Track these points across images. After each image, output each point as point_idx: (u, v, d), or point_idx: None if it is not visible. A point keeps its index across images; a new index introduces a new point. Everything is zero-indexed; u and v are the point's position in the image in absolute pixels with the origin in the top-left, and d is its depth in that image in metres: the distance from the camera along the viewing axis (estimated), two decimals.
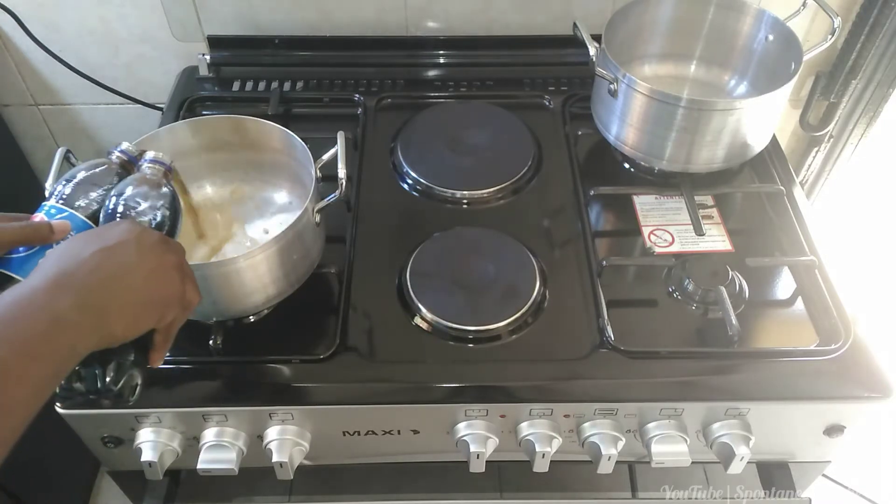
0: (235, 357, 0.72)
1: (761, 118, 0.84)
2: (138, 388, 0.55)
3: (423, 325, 0.74)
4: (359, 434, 0.73)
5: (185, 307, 0.55)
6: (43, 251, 0.53)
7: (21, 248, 0.53)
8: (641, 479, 0.88)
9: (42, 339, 0.42)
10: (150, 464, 0.70)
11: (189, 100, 1.00)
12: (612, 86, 0.83)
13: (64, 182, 0.58)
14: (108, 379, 0.52)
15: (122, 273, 0.49)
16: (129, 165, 0.62)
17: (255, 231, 0.78)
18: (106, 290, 0.47)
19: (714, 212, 0.87)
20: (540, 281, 0.77)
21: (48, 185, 0.65)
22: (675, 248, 0.82)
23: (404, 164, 0.91)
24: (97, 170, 0.60)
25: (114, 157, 0.62)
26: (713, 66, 0.97)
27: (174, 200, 0.60)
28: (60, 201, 0.57)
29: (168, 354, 0.71)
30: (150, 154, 0.62)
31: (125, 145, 0.63)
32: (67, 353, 0.44)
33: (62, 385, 0.51)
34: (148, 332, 0.53)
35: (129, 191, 0.58)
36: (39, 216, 0.55)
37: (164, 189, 0.59)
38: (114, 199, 0.57)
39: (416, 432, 0.73)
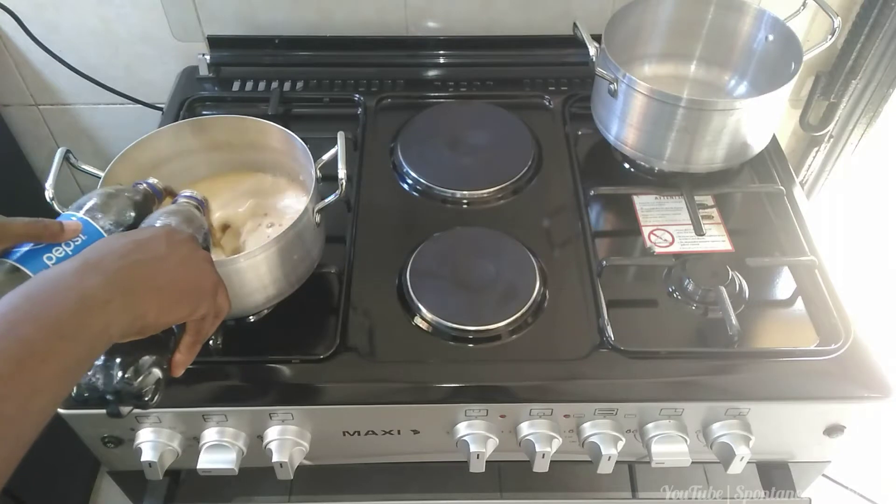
0: (235, 357, 0.72)
1: (761, 118, 0.84)
2: (160, 389, 0.54)
3: (423, 325, 0.74)
4: (359, 434, 0.73)
5: (218, 311, 0.54)
6: (51, 248, 0.53)
7: (28, 243, 0.53)
8: (641, 479, 0.88)
9: (70, 318, 0.41)
10: (150, 464, 0.70)
11: (189, 100, 1.00)
12: (612, 86, 0.83)
13: (82, 199, 0.58)
14: (126, 374, 0.52)
15: (153, 260, 0.49)
16: (151, 197, 0.63)
17: (255, 231, 0.78)
18: (136, 272, 0.47)
19: (714, 212, 0.87)
20: (540, 281, 0.77)
21: (48, 185, 0.65)
22: (675, 248, 0.82)
23: (404, 164, 0.91)
24: (117, 193, 0.60)
25: (140, 188, 0.62)
26: (713, 66, 0.97)
27: (207, 235, 0.61)
28: (78, 210, 0.57)
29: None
30: (186, 191, 0.64)
31: (152, 180, 0.64)
32: (98, 332, 0.43)
33: (78, 384, 0.50)
34: (173, 336, 0.52)
35: (164, 219, 0.58)
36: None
37: (199, 223, 0.60)
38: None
39: (416, 432, 0.73)
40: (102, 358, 0.52)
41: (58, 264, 0.46)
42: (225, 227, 0.74)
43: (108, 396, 0.53)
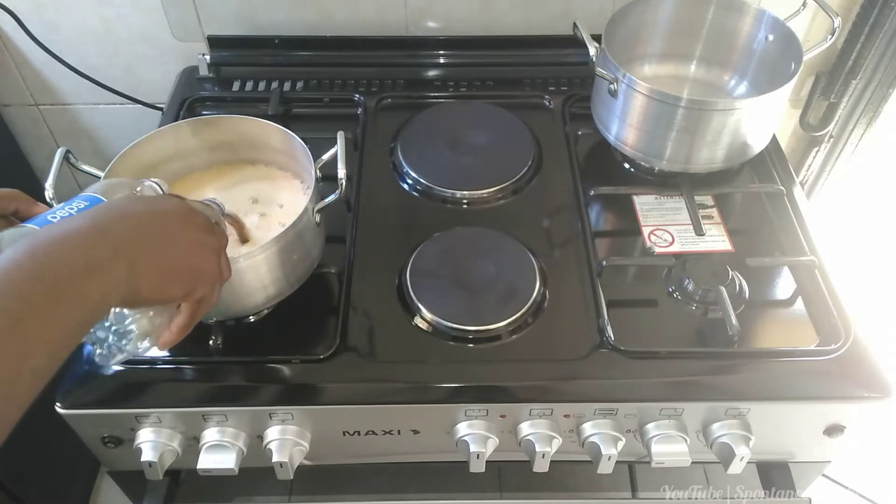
0: (235, 357, 0.72)
1: (761, 118, 0.84)
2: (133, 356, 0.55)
3: (423, 325, 0.74)
4: (359, 434, 0.73)
5: (217, 290, 0.55)
6: (55, 211, 0.53)
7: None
8: (641, 479, 0.88)
9: (73, 283, 0.41)
10: (150, 464, 0.70)
11: (189, 100, 1.00)
12: (612, 86, 0.83)
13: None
14: (125, 340, 0.52)
15: (163, 236, 0.48)
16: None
17: (255, 231, 0.78)
18: (142, 246, 0.46)
19: (714, 212, 0.87)
20: (540, 281, 0.77)
21: (48, 185, 0.65)
22: (675, 248, 0.82)
23: (404, 164, 0.91)
24: (120, 184, 0.60)
25: (146, 183, 0.62)
26: (713, 66, 0.97)
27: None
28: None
29: (168, 354, 0.73)
30: (209, 196, 0.65)
31: (156, 180, 0.63)
32: (98, 301, 0.42)
33: None
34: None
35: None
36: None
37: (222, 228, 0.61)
38: None
39: (416, 432, 0.73)
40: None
41: (66, 220, 0.45)
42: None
43: (97, 348, 0.54)
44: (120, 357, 0.54)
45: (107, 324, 0.53)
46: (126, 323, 0.53)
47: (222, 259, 0.56)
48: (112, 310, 0.52)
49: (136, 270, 0.45)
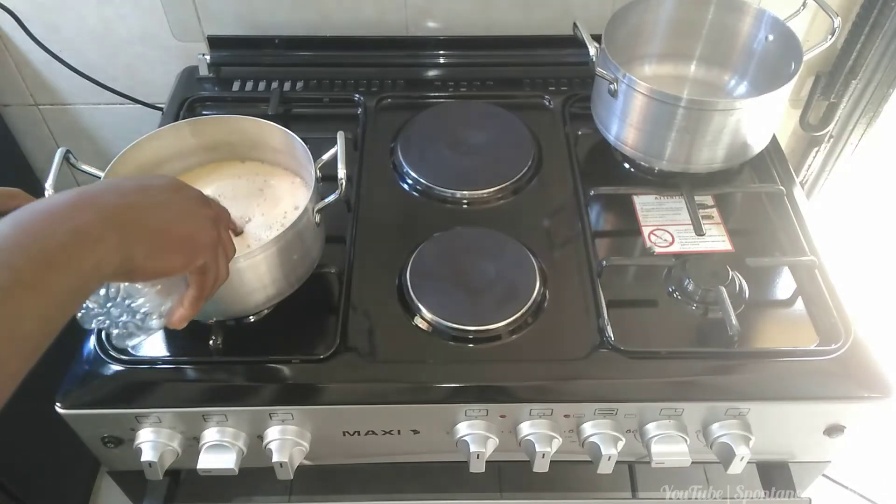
0: (235, 357, 0.72)
1: (761, 118, 0.84)
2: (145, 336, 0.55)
3: (423, 325, 0.74)
4: (359, 434, 0.73)
5: (218, 272, 0.54)
6: None
7: None
8: (641, 479, 0.88)
9: (60, 250, 0.40)
10: (150, 464, 0.70)
11: (189, 100, 1.00)
12: (612, 86, 0.83)
13: None
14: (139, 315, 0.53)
15: (154, 204, 0.48)
16: None
17: (255, 231, 0.78)
18: (132, 214, 0.46)
19: (714, 212, 0.87)
20: (540, 281, 0.77)
21: (48, 185, 0.65)
22: (675, 248, 0.82)
23: (404, 164, 0.91)
24: None
25: None
26: (713, 66, 0.97)
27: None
28: None
29: (168, 354, 0.73)
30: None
31: None
32: (90, 269, 0.42)
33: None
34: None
35: None
36: None
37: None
38: None
39: (416, 432, 0.73)
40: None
41: (54, 195, 0.45)
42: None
43: (115, 328, 0.54)
44: (138, 336, 0.55)
45: (119, 298, 0.53)
46: (139, 301, 0.53)
47: (223, 232, 0.55)
48: (122, 286, 0.52)
49: (128, 239, 0.45)
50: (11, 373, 0.38)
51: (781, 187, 0.88)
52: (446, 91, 1.03)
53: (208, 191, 0.79)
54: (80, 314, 0.54)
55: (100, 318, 0.54)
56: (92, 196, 0.45)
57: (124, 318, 0.54)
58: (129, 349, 0.72)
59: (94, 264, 0.42)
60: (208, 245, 0.52)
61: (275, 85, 1.03)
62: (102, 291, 0.53)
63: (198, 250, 0.51)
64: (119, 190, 0.47)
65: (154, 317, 0.54)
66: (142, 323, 0.54)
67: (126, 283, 0.53)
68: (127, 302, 0.53)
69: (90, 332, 0.73)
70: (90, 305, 0.54)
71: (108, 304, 0.54)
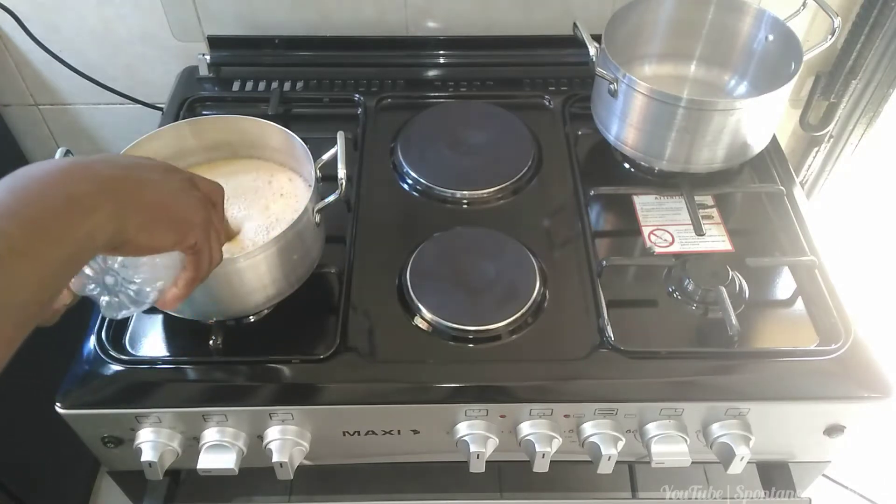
0: (235, 357, 0.72)
1: (761, 118, 0.84)
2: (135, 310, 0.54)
3: (423, 325, 0.74)
4: (359, 434, 0.73)
5: (212, 253, 0.54)
6: None
7: None
8: (641, 479, 0.88)
9: (53, 218, 0.40)
10: (150, 464, 0.70)
11: (189, 100, 1.00)
12: (612, 86, 0.83)
13: None
14: (135, 287, 0.52)
15: (147, 180, 0.48)
16: None
17: (255, 231, 0.78)
18: (127, 186, 0.46)
19: (714, 212, 0.87)
20: (540, 281, 0.77)
21: None
22: (675, 248, 0.82)
23: (404, 164, 0.91)
24: None
25: None
26: (713, 66, 0.97)
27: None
28: None
29: (168, 354, 0.73)
30: None
31: None
32: (83, 238, 0.41)
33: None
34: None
35: None
36: None
37: None
38: None
39: (416, 432, 0.73)
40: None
41: (45, 161, 0.44)
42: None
43: (106, 296, 0.53)
44: (128, 308, 0.54)
45: (117, 266, 0.52)
46: (135, 273, 0.53)
47: (214, 215, 0.55)
48: (118, 259, 0.52)
49: (122, 210, 0.44)
50: (6, 341, 0.37)
51: (781, 187, 0.88)
52: (446, 91, 1.03)
53: None
54: (72, 280, 0.53)
55: (92, 285, 0.53)
56: (86, 165, 0.44)
57: (118, 288, 0.53)
58: (127, 346, 0.72)
59: (88, 233, 0.42)
60: (199, 225, 0.52)
61: (275, 85, 1.03)
62: (100, 259, 0.53)
63: (189, 229, 0.51)
64: (113, 162, 0.47)
65: (148, 291, 0.54)
66: (135, 296, 0.54)
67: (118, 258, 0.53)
68: (123, 273, 0.53)
69: (90, 331, 0.73)
70: (87, 272, 0.53)
71: (105, 274, 0.53)
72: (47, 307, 0.41)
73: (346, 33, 1.05)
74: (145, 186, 0.47)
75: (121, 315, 0.55)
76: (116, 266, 0.53)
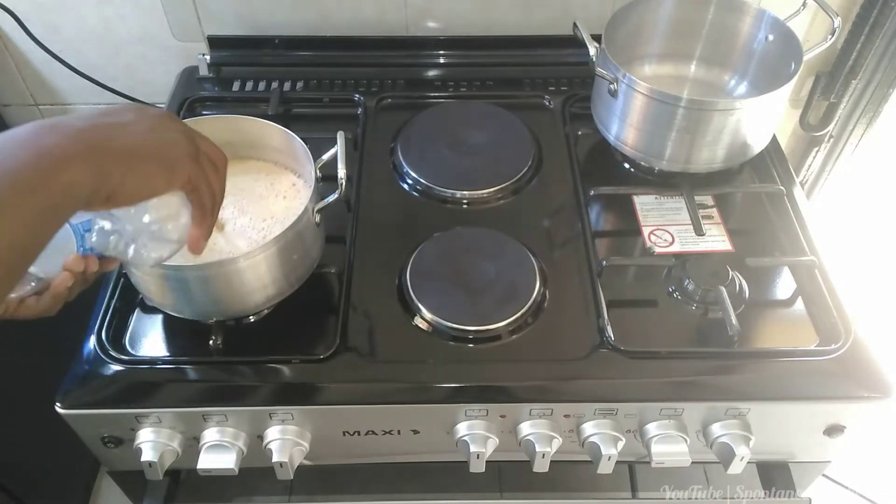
0: (235, 357, 0.72)
1: (761, 118, 0.84)
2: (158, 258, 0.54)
3: (423, 325, 0.74)
4: (359, 434, 0.73)
5: (211, 183, 0.53)
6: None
7: None
8: (641, 479, 0.88)
9: (26, 169, 0.39)
10: (150, 464, 0.70)
11: (189, 100, 1.00)
12: (612, 86, 0.83)
13: None
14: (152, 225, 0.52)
15: (118, 123, 0.47)
16: None
17: (254, 231, 0.78)
18: (98, 133, 0.45)
19: (714, 212, 0.87)
20: (540, 281, 0.77)
21: None
22: (675, 248, 0.82)
23: (404, 164, 0.91)
24: None
25: None
26: (713, 66, 0.97)
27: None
28: None
29: (168, 354, 0.73)
30: None
31: None
32: (61, 190, 0.41)
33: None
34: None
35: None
36: None
37: None
38: None
39: (416, 432, 0.73)
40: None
41: (10, 130, 0.44)
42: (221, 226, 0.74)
43: (132, 246, 0.53)
44: (158, 250, 0.54)
45: (133, 211, 0.52)
46: (153, 213, 0.52)
47: (201, 143, 0.53)
48: (130, 209, 0.51)
49: (99, 159, 0.44)
50: None
51: (781, 187, 0.88)
52: (446, 91, 1.03)
53: None
54: (94, 239, 0.53)
55: (114, 236, 0.52)
56: (53, 123, 0.44)
57: (140, 234, 0.52)
58: (127, 346, 0.72)
59: (65, 185, 0.41)
60: (185, 157, 0.50)
61: (275, 85, 1.03)
62: (114, 210, 0.52)
63: (176, 164, 0.49)
64: (83, 115, 0.46)
65: (169, 228, 0.53)
66: (160, 233, 0.53)
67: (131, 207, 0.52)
68: (140, 217, 0.52)
69: (90, 331, 0.73)
70: (103, 225, 0.52)
71: (125, 223, 0.52)
72: (26, 263, 0.40)
73: (346, 33, 1.05)
74: (119, 132, 0.46)
75: (153, 261, 0.54)
76: (132, 210, 0.52)
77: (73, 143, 0.43)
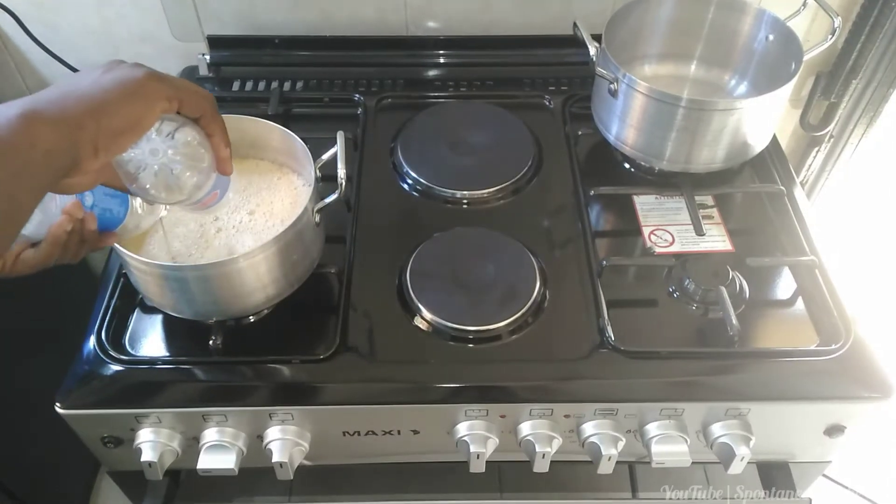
0: (235, 357, 0.72)
1: (761, 118, 0.84)
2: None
3: (423, 325, 0.74)
4: (359, 434, 0.73)
5: (189, 87, 0.55)
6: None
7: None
8: (641, 479, 0.88)
9: None
10: (150, 464, 0.70)
11: None
12: (612, 86, 0.83)
13: None
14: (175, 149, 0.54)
15: (78, 80, 0.48)
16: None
17: (254, 230, 0.78)
18: (54, 92, 0.45)
19: (714, 212, 0.87)
20: (540, 281, 0.77)
21: None
22: (675, 248, 0.82)
23: (404, 164, 0.91)
24: None
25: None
26: (713, 66, 0.97)
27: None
28: None
29: (168, 354, 0.73)
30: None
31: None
32: (27, 148, 0.41)
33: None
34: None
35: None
36: None
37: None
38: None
39: (416, 432, 0.73)
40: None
41: None
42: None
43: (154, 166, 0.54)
44: (194, 178, 0.56)
45: (164, 136, 0.54)
46: (179, 147, 0.54)
47: (177, 79, 0.55)
48: (151, 135, 0.53)
49: (59, 111, 0.44)
50: None
51: (782, 187, 0.88)
52: (446, 91, 1.03)
53: None
54: (129, 167, 0.54)
55: (143, 168, 0.54)
56: (10, 101, 0.44)
57: (167, 154, 0.54)
58: (127, 346, 0.72)
59: (28, 144, 0.41)
60: (148, 79, 0.51)
61: (275, 85, 1.03)
62: (134, 152, 0.53)
63: (143, 88, 0.50)
64: (39, 93, 0.46)
65: (196, 144, 0.55)
66: (186, 149, 0.55)
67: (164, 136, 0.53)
68: (159, 139, 0.54)
69: (90, 331, 0.73)
70: (134, 154, 0.54)
71: (147, 146, 0.54)
72: (8, 235, 0.41)
73: (347, 33, 1.05)
74: (81, 84, 0.47)
75: (191, 185, 0.57)
76: (153, 135, 0.54)
77: (26, 105, 0.43)
